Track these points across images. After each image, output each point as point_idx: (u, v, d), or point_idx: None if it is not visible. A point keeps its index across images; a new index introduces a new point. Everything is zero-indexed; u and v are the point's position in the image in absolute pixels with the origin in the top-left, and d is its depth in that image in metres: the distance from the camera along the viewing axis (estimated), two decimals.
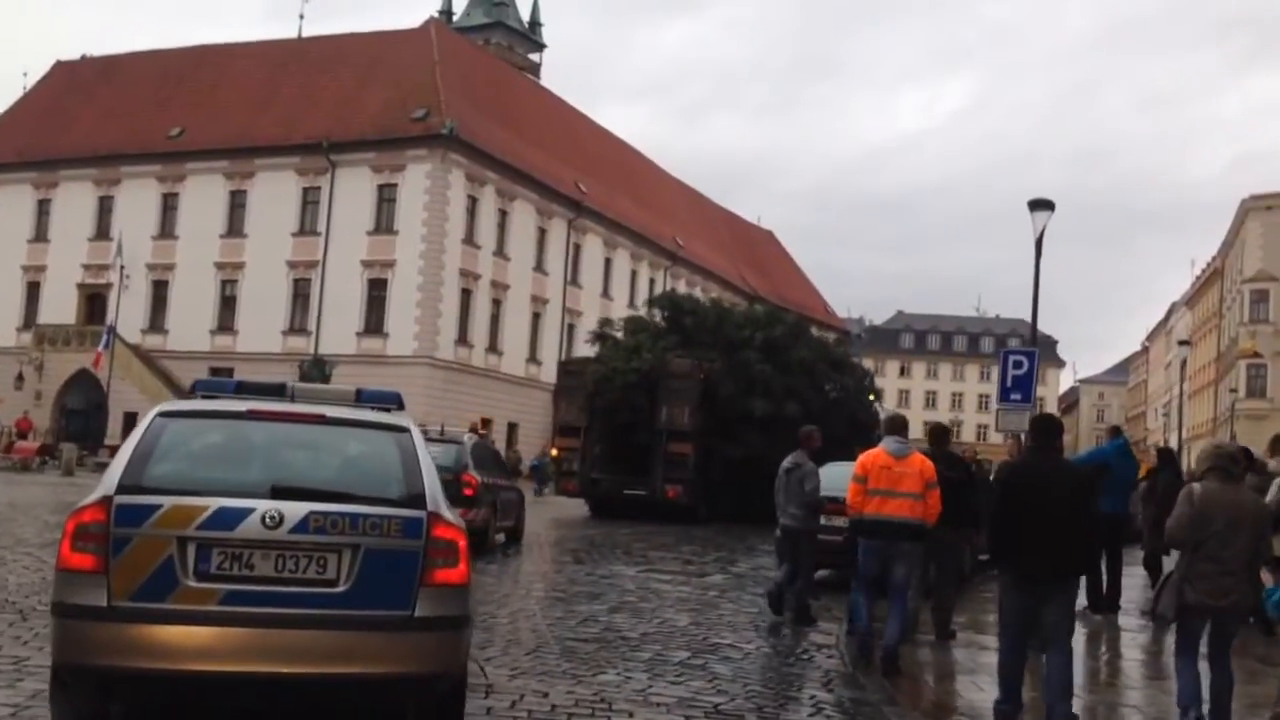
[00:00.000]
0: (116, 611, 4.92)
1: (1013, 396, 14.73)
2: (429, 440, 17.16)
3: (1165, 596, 7.07)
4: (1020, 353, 15.25)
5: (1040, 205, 17.14)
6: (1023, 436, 15.36)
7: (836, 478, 12.88)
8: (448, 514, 5.46)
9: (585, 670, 7.89)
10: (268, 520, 5.06)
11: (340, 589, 5.09)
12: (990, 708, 7.13)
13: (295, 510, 5.11)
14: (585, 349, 52.80)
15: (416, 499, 5.38)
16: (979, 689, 8.24)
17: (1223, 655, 6.83)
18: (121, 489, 5.13)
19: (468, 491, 15.96)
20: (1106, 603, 12.37)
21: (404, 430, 5.83)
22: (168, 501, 5.09)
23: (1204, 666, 6.87)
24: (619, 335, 31.42)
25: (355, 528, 5.15)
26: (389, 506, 5.30)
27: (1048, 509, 6.81)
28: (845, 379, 32.30)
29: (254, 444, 5.70)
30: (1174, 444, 57.27)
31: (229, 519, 5.07)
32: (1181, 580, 6.79)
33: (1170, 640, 10.88)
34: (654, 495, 26.82)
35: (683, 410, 27.18)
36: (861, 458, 9.23)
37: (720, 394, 27.74)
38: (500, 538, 17.90)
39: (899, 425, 9.59)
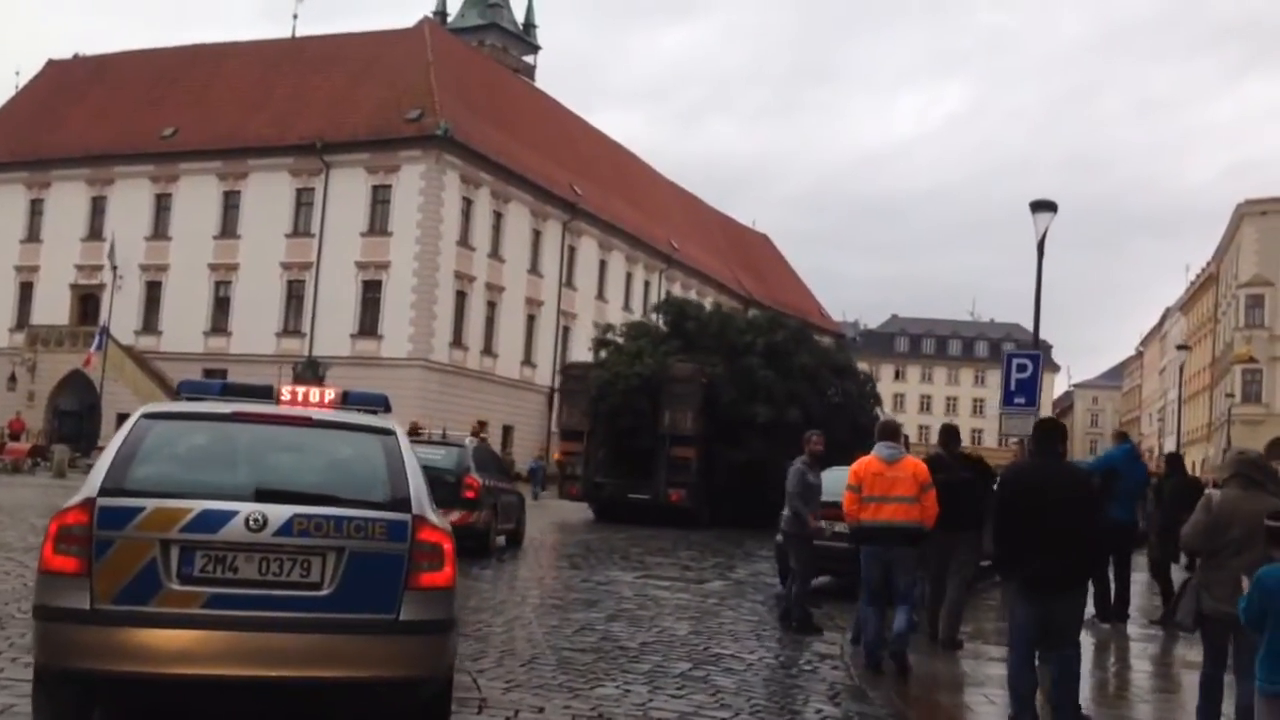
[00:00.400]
0: (99, 614, 4.89)
1: (1016, 400, 14.45)
2: (431, 443, 17.28)
3: (1184, 604, 6.91)
4: (1024, 355, 14.92)
5: (1042, 206, 16.90)
6: (1026, 441, 15.13)
7: (837, 482, 12.68)
8: (433, 517, 5.44)
9: (582, 683, 7.61)
10: (251, 523, 5.03)
11: (324, 592, 5.07)
12: None
13: (279, 513, 5.07)
14: (580, 351, 52.84)
15: (401, 502, 5.35)
16: (990, 702, 8.01)
17: (1249, 669, 6.58)
18: (104, 491, 5.10)
19: (469, 494, 15.98)
20: (1115, 612, 12.13)
21: (389, 433, 5.79)
22: (151, 504, 5.06)
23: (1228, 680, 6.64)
24: (621, 340, 31.34)
25: (340, 530, 5.12)
26: (374, 509, 5.27)
27: (1052, 514, 6.66)
28: (847, 384, 32.28)
29: (238, 446, 5.66)
30: (1170, 448, 57.13)
31: (213, 521, 5.03)
32: (1199, 588, 6.66)
33: (1180, 650, 10.73)
34: (657, 499, 26.84)
35: (685, 415, 27.23)
36: (854, 465, 9.20)
37: (722, 399, 27.80)
38: (501, 540, 17.82)
39: (891, 431, 9.50)
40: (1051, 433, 7.15)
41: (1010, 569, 7.00)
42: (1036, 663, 7.03)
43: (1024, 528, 6.72)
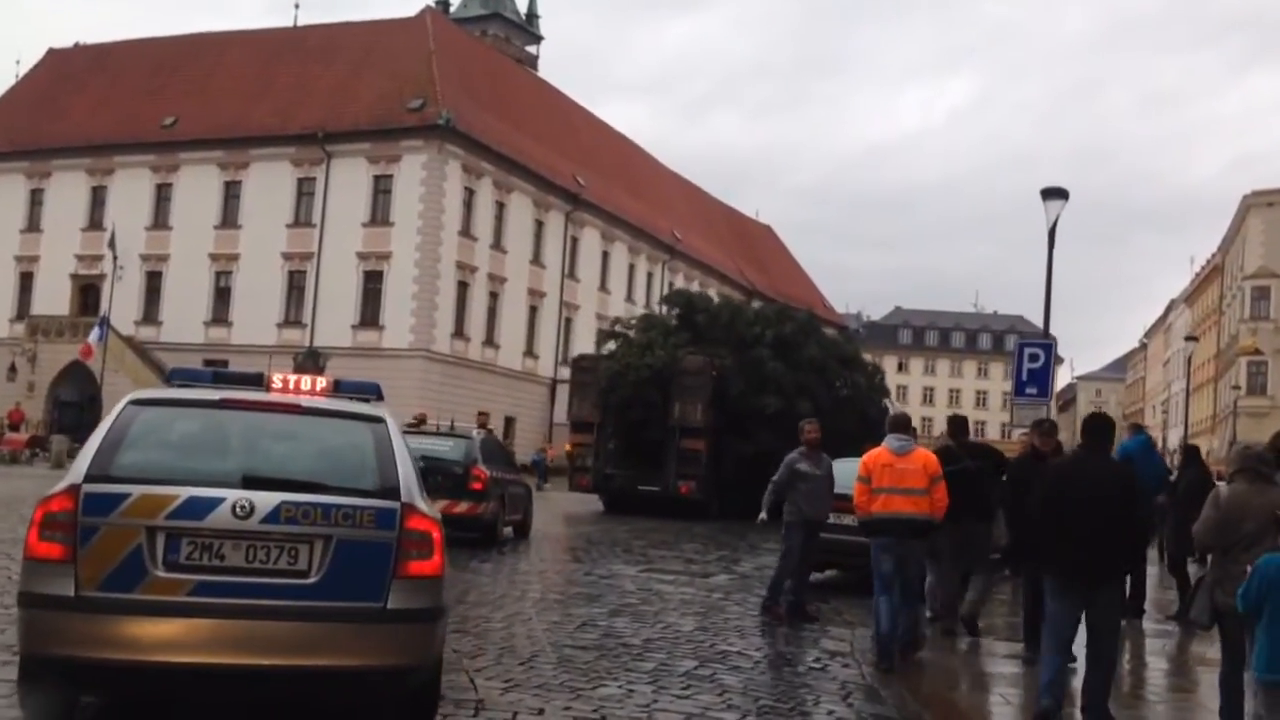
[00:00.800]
0: (83, 601, 4.86)
1: (1028, 390, 14.13)
2: (438, 434, 17.44)
3: (1198, 602, 6.79)
4: (1036, 344, 14.57)
5: (1053, 194, 16.56)
6: (1033, 431, 14.84)
7: (847, 475, 12.44)
8: (422, 505, 5.39)
9: (584, 682, 7.31)
10: (238, 510, 4.99)
11: (312, 580, 5.03)
12: None
13: (267, 500, 5.04)
14: (582, 343, 52.56)
15: (390, 490, 5.30)
16: (1006, 702, 7.80)
17: None
18: (90, 478, 5.05)
19: (476, 485, 16.19)
20: (1129, 607, 11.83)
21: (379, 420, 5.70)
22: (136, 490, 5.02)
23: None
24: (631, 332, 31.47)
25: (327, 518, 5.09)
26: (362, 497, 5.23)
27: (1094, 509, 6.62)
28: (856, 376, 32.23)
29: (226, 433, 5.62)
30: (1174, 441, 56.79)
31: (199, 508, 4.99)
32: (1213, 584, 6.55)
33: (1196, 647, 10.47)
34: (667, 491, 26.94)
35: (695, 407, 27.27)
36: (864, 457, 9.22)
37: (732, 391, 27.89)
38: (509, 531, 17.95)
39: (901, 423, 9.55)
40: (1101, 428, 7.10)
41: (1052, 564, 6.96)
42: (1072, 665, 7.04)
43: (1066, 521, 6.70)
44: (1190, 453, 13.68)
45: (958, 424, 10.95)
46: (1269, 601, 5.13)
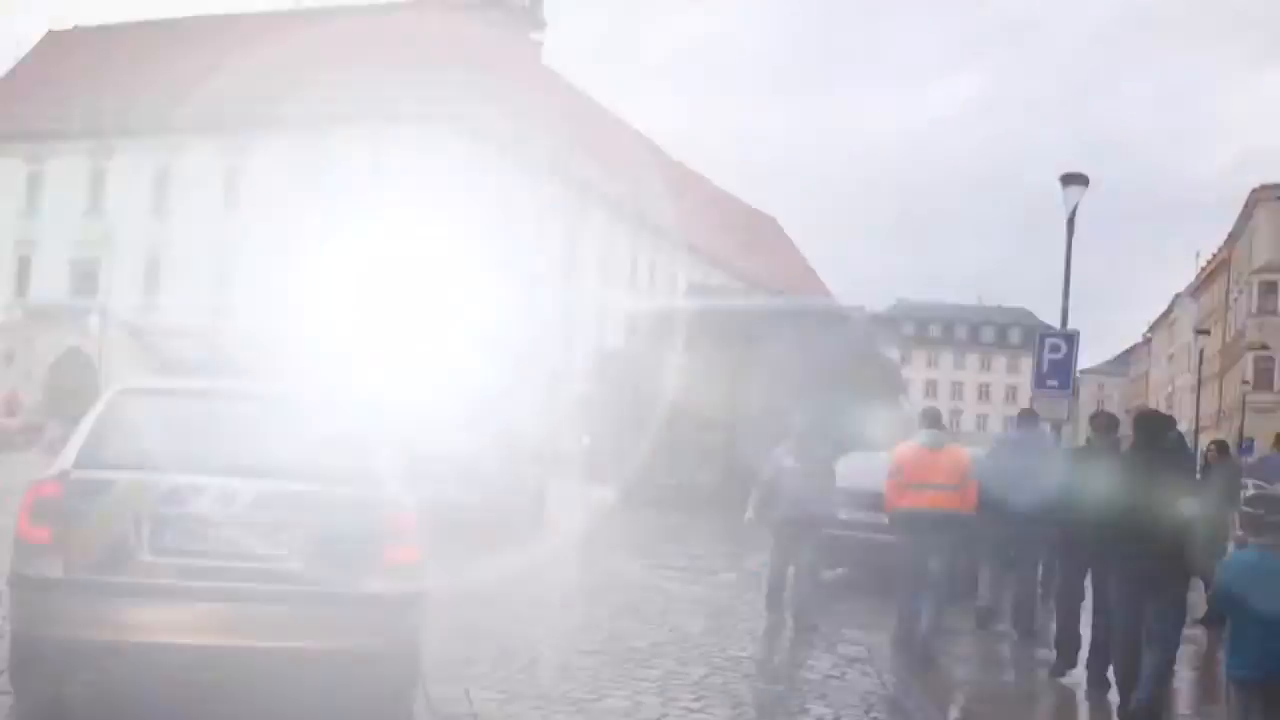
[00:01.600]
0: (72, 584, 5.02)
1: (1049, 383, 13.66)
2: (451, 424, 17.61)
3: None
4: (1058, 335, 14.08)
5: (1073, 180, 16.03)
6: (1048, 427, 14.39)
7: (855, 471, 12.01)
8: (403, 493, 5.56)
9: (587, 693, 6.81)
10: (223, 497, 5.14)
11: (293, 565, 5.16)
12: None
13: (250, 487, 5.19)
14: (587, 335, 52.07)
15: (371, 478, 5.46)
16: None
17: None
18: (79, 464, 5.25)
19: (488, 475, 16.18)
20: None
21: (363, 409, 5.88)
22: (124, 476, 5.19)
23: None
24: (652, 326, 31.43)
25: (309, 505, 5.24)
26: (344, 485, 5.36)
27: (1148, 510, 6.44)
28: (871, 370, 31.99)
29: (213, 421, 5.73)
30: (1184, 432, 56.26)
31: (184, 495, 5.15)
32: None
33: (1224, 654, 10.00)
34: (686, 484, 26.85)
35: (715, 400, 27.02)
36: (897, 451, 9.10)
37: (750, 384, 27.52)
38: (521, 522, 17.71)
39: (935, 418, 9.41)
40: (1154, 425, 6.84)
41: (1113, 562, 6.86)
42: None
43: (1122, 522, 6.53)
44: (1221, 449, 13.21)
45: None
46: (1235, 599, 5.11)
